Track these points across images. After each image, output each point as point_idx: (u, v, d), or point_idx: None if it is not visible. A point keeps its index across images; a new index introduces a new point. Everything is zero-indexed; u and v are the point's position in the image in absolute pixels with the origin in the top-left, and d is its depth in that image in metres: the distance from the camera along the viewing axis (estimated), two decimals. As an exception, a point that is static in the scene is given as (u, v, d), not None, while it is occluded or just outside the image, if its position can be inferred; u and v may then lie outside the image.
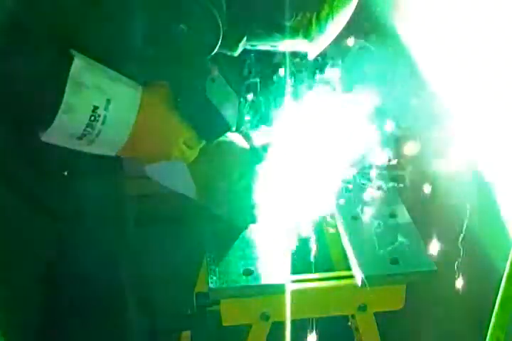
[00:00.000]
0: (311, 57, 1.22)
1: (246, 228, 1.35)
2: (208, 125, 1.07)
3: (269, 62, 1.39)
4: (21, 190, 1.07)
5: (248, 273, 1.27)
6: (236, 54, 1.15)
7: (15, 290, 1.13)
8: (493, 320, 0.97)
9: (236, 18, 1.06)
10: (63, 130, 0.93)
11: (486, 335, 0.98)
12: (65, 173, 1.10)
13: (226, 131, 1.12)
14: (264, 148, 1.26)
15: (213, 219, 1.30)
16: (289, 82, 1.34)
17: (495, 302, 0.96)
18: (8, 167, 1.05)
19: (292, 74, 1.34)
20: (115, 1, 0.94)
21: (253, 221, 1.32)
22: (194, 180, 1.21)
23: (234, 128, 1.12)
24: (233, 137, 1.25)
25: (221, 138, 1.17)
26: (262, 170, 1.27)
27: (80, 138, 0.94)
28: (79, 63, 0.91)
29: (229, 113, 1.07)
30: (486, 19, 1.15)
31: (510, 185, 1.16)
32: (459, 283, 1.21)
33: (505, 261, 0.96)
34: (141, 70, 1.01)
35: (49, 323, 1.20)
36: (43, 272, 1.17)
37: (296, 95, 1.35)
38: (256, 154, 1.26)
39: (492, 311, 0.97)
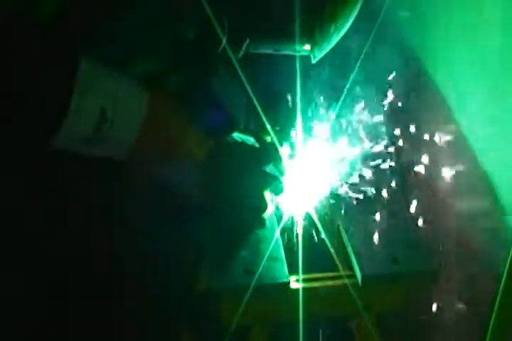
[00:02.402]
0: (314, 60, 1.22)
1: (252, 231, 1.34)
2: (216, 123, 1.07)
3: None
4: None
5: (248, 272, 1.27)
6: (239, 56, 1.16)
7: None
8: (493, 319, 0.97)
9: (239, 21, 1.07)
10: (72, 134, 0.92)
11: (487, 334, 0.99)
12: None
13: (234, 130, 1.12)
14: (274, 146, 1.25)
15: (217, 219, 1.29)
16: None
17: (495, 302, 0.96)
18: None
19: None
20: (123, 4, 0.94)
21: (262, 225, 1.31)
22: (202, 179, 1.20)
23: (242, 127, 1.12)
24: (242, 135, 1.25)
25: (230, 137, 1.17)
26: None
27: (88, 141, 0.94)
28: (86, 67, 0.91)
29: (236, 111, 1.07)
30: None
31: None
32: (460, 283, 1.21)
33: (505, 261, 0.96)
34: (147, 71, 1.01)
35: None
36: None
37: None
38: (265, 153, 1.24)
39: (493, 310, 0.97)
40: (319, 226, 1.35)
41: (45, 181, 1.07)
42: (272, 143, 1.25)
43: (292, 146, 1.35)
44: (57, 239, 1.14)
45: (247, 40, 1.11)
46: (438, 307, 1.36)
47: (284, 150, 1.28)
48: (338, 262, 1.50)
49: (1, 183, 1.04)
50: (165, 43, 1.00)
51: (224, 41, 1.04)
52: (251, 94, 1.12)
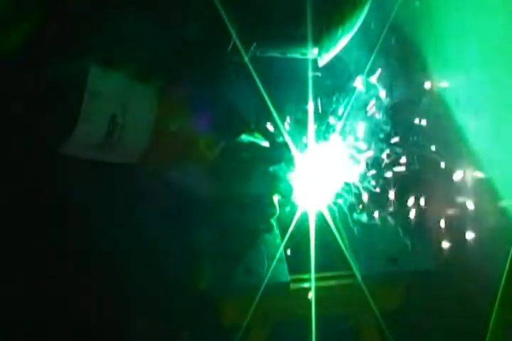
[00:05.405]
0: (321, 64, 1.22)
1: (260, 235, 1.34)
2: (226, 125, 1.07)
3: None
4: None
5: (249, 272, 1.27)
6: (246, 59, 1.16)
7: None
8: (493, 318, 0.97)
9: (247, 24, 1.07)
10: (83, 141, 0.92)
11: (487, 334, 0.99)
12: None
13: (244, 131, 1.12)
14: (286, 146, 1.25)
15: (225, 221, 1.29)
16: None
17: (495, 301, 0.97)
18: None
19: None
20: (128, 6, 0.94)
21: (270, 230, 1.30)
22: (213, 180, 1.19)
23: (252, 127, 1.12)
24: (252, 136, 1.25)
25: (240, 138, 1.17)
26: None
27: (100, 147, 0.94)
28: (95, 73, 0.91)
29: (246, 112, 1.07)
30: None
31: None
32: (459, 282, 1.21)
33: (505, 260, 0.96)
34: (155, 74, 1.01)
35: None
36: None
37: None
38: (276, 153, 1.24)
39: (493, 310, 0.97)
40: (332, 226, 1.34)
41: (56, 184, 1.07)
42: (283, 143, 1.25)
43: (303, 146, 1.34)
44: (63, 239, 1.14)
45: (255, 43, 1.11)
46: (438, 307, 1.36)
47: (294, 151, 1.28)
48: (337, 262, 1.51)
49: (13, 186, 1.04)
50: (173, 45, 1.00)
51: (232, 43, 1.04)
52: (263, 94, 1.12)
